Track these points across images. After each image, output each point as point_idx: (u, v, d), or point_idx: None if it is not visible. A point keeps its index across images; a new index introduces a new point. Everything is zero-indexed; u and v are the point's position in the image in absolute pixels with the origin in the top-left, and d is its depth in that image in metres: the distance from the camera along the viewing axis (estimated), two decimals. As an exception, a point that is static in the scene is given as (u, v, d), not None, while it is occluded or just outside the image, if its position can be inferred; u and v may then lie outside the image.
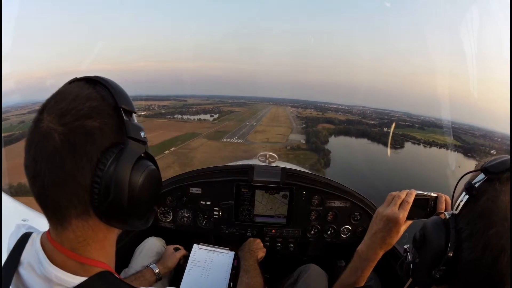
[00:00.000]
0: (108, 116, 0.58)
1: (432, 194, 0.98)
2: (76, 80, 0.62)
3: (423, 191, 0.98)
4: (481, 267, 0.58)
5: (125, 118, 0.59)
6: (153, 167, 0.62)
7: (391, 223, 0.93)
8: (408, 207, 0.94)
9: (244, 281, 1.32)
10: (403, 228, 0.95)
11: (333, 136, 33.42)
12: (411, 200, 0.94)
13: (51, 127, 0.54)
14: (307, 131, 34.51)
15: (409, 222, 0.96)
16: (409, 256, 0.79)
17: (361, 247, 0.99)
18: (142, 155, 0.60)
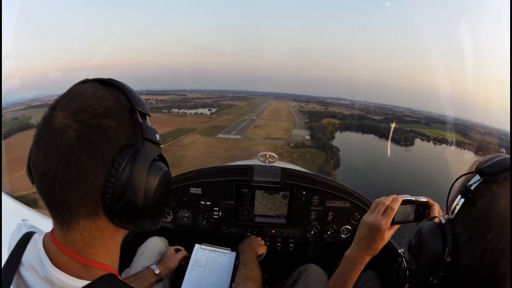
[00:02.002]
0: (123, 117, 0.60)
1: (421, 199, 1.03)
2: (89, 81, 0.65)
3: (412, 196, 1.02)
4: (480, 271, 0.60)
5: (140, 120, 0.62)
6: (167, 168, 0.66)
7: (374, 230, 0.97)
8: (392, 214, 0.97)
9: (242, 273, 1.39)
10: (390, 233, 1.00)
11: (338, 132, 31.48)
12: (395, 206, 0.98)
13: (66, 123, 0.55)
14: (311, 126, 32.71)
15: (397, 226, 1.01)
16: (404, 262, 0.83)
17: (348, 252, 1.05)
18: (156, 157, 0.63)
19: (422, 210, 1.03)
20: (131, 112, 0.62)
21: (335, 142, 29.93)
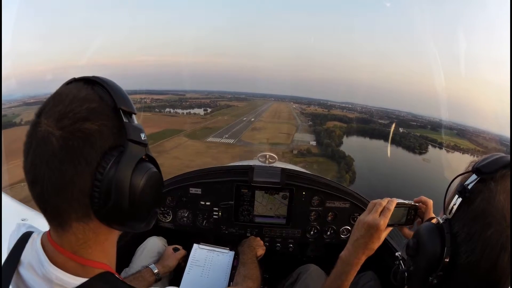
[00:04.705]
0: (107, 118, 0.63)
1: (412, 203, 1.15)
2: (74, 81, 0.68)
3: (404, 200, 1.14)
4: (480, 268, 0.65)
5: (124, 119, 0.64)
6: (155, 169, 0.69)
7: (372, 229, 1.05)
8: (389, 214, 1.06)
9: (241, 272, 1.50)
10: (384, 234, 1.08)
11: (345, 137, 30.46)
12: (392, 207, 1.07)
13: (49, 131, 0.59)
14: (316, 130, 31.75)
15: (390, 228, 1.10)
16: (402, 265, 0.91)
17: (344, 253, 1.11)
18: (144, 157, 0.66)
19: (414, 213, 1.15)
20: (115, 111, 0.64)
21: (345, 149, 27.64)
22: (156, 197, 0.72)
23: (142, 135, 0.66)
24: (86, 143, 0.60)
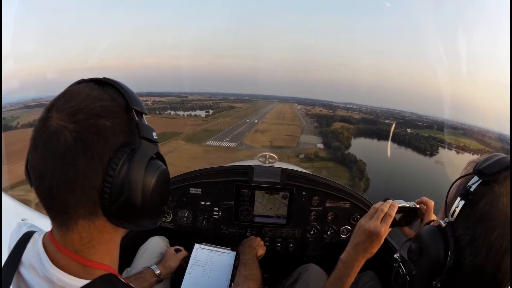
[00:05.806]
0: (119, 117, 0.66)
1: (414, 205, 1.18)
2: (84, 81, 0.71)
3: (405, 202, 1.17)
4: (485, 271, 0.66)
5: (137, 119, 0.68)
6: (164, 166, 0.71)
7: (373, 236, 1.08)
8: (390, 221, 1.09)
9: (242, 273, 1.53)
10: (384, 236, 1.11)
11: (353, 138, 29.73)
12: (393, 213, 1.10)
13: (62, 125, 0.61)
14: (322, 132, 31.10)
15: (389, 229, 1.12)
16: (402, 268, 0.93)
17: (344, 255, 1.15)
18: (154, 155, 0.69)
19: (413, 215, 1.20)
20: (127, 111, 0.68)
21: (355, 152, 26.69)
22: (166, 194, 0.75)
23: (154, 134, 0.70)
24: (100, 138, 0.62)
